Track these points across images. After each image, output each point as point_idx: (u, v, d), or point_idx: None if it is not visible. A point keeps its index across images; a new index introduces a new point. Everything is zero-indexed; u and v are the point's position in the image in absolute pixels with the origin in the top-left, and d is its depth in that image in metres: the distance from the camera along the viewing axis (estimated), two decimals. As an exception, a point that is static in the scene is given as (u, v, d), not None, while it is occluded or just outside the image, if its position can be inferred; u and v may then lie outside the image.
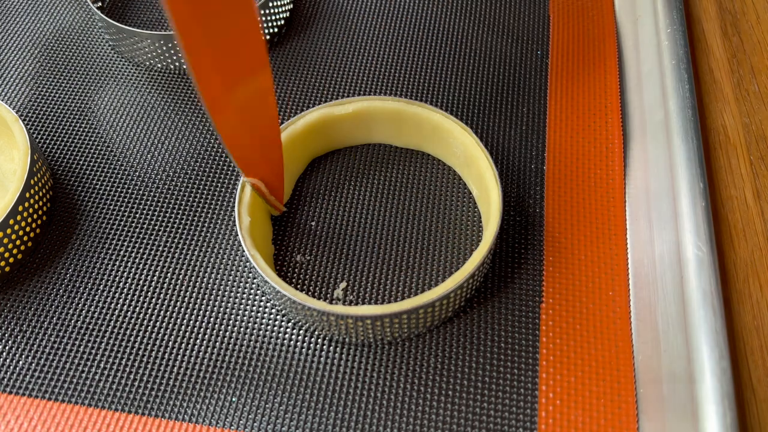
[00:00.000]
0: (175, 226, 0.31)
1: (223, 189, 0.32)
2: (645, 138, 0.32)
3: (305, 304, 0.25)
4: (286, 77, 0.37)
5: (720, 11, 0.33)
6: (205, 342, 0.28)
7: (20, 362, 0.28)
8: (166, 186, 0.33)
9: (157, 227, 0.31)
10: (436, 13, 0.39)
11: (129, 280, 0.30)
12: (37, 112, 0.36)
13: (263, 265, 0.26)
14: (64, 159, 0.34)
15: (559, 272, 0.29)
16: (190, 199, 0.32)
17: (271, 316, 0.29)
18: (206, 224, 0.31)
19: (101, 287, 0.30)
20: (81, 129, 0.35)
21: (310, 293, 0.29)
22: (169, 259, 0.30)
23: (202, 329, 0.28)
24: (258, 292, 0.29)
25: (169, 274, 0.30)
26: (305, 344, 0.28)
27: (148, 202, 0.32)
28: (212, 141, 0.34)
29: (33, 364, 0.28)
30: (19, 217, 0.29)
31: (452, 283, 0.25)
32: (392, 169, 0.33)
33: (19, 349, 0.28)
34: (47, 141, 0.34)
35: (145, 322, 0.29)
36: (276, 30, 0.38)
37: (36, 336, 0.28)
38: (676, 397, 0.24)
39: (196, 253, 0.30)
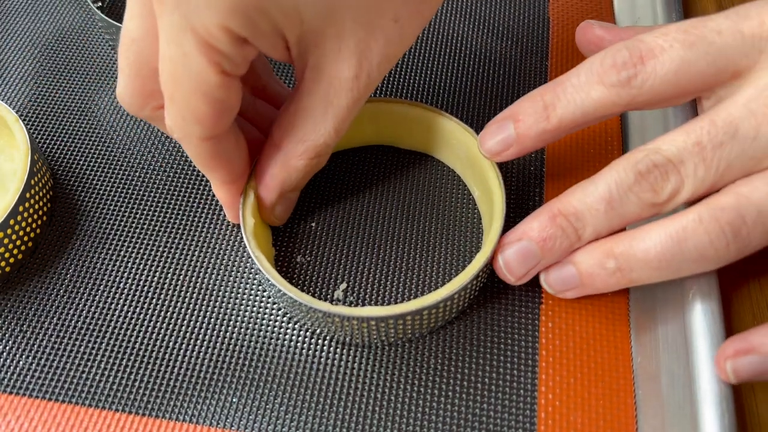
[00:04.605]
0: (175, 226, 0.31)
1: (224, 189, 0.32)
2: (645, 138, 0.32)
3: (310, 306, 0.25)
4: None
5: (719, 11, 0.33)
6: (205, 342, 0.28)
7: (20, 362, 0.28)
8: (166, 186, 0.33)
9: (157, 227, 0.31)
10: (436, 14, 0.39)
11: (129, 280, 0.30)
12: (37, 112, 0.36)
13: (268, 267, 0.26)
14: (64, 159, 0.34)
15: (558, 273, 0.29)
16: (190, 199, 0.32)
17: (272, 316, 0.29)
18: (206, 224, 0.31)
19: (101, 287, 0.30)
20: (81, 129, 0.35)
21: (310, 294, 0.29)
22: (169, 259, 0.30)
23: (202, 329, 0.28)
24: (258, 292, 0.29)
25: (169, 275, 0.30)
26: (305, 345, 0.28)
27: (148, 202, 0.32)
28: (212, 141, 0.34)
29: (33, 364, 0.28)
30: (19, 217, 0.29)
31: (457, 283, 0.26)
32: (393, 170, 0.33)
33: (19, 349, 0.28)
34: (47, 141, 0.34)
35: (145, 322, 0.29)
36: (276, 30, 0.38)
37: (36, 336, 0.28)
38: (675, 398, 0.24)
39: (196, 253, 0.31)
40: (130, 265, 0.30)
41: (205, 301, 0.29)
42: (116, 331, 0.28)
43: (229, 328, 0.28)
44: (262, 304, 0.29)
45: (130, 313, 0.29)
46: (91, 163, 0.34)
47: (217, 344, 0.28)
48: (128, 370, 0.27)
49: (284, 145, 0.27)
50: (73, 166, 0.33)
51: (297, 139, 0.26)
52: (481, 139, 0.27)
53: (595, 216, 0.24)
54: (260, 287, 0.29)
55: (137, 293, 0.29)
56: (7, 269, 0.30)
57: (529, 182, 0.32)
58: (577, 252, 0.25)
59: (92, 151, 0.34)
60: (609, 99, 0.24)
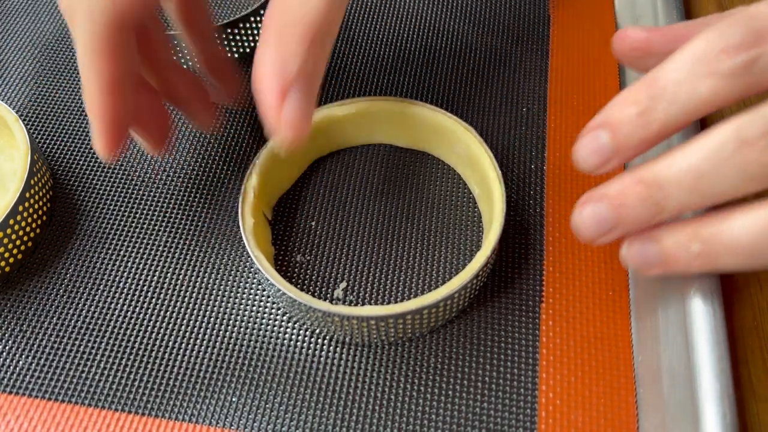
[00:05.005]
0: (175, 226, 0.31)
1: (223, 189, 0.32)
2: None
3: (309, 305, 0.25)
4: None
5: (720, 11, 0.33)
6: (205, 342, 0.28)
7: (20, 362, 0.28)
8: (166, 186, 0.33)
9: (157, 227, 0.31)
10: (436, 13, 0.39)
11: (129, 280, 0.30)
12: (37, 112, 0.36)
13: (267, 266, 0.26)
14: (64, 159, 0.34)
15: (559, 272, 0.29)
16: (190, 199, 0.32)
17: (272, 315, 0.29)
18: (206, 224, 0.31)
19: (101, 287, 0.30)
20: (81, 129, 0.35)
21: (310, 293, 0.29)
22: (169, 259, 0.30)
23: (202, 329, 0.28)
24: (258, 291, 0.29)
25: (169, 274, 0.30)
26: (305, 344, 0.28)
27: (148, 202, 0.32)
28: (212, 141, 0.34)
29: (33, 364, 0.28)
30: (19, 217, 0.29)
31: (457, 283, 0.25)
32: (393, 169, 0.33)
33: (19, 349, 0.28)
34: (47, 141, 0.34)
35: (145, 322, 0.29)
36: (276, 30, 0.38)
37: (36, 336, 0.28)
38: (676, 397, 0.24)
39: (196, 253, 0.30)
40: (130, 265, 0.30)
41: (205, 301, 0.29)
42: (116, 331, 0.28)
43: (229, 328, 0.28)
44: (262, 304, 0.29)
45: (130, 313, 0.29)
46: (91, 163, 0.34)
47: (217, 344, 0.28)
48: (128, 370, 0.27)
49: (279, 32, 0.23)
50: (73, 166, 0.33)
51: (291, 24, 0.23)
52: (576, 154, 0.23)
53: (680, 189, 0.21)
54: (260, 287, 0.29)
55: (137, 293, 0.29)
56: (7, 269, 0.30)
57: (529, 181, 0.32)
58: (661, 228, 0.23)
59: (92, 151, 0.34)
60: (721, 92, 0.20)
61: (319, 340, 0.28)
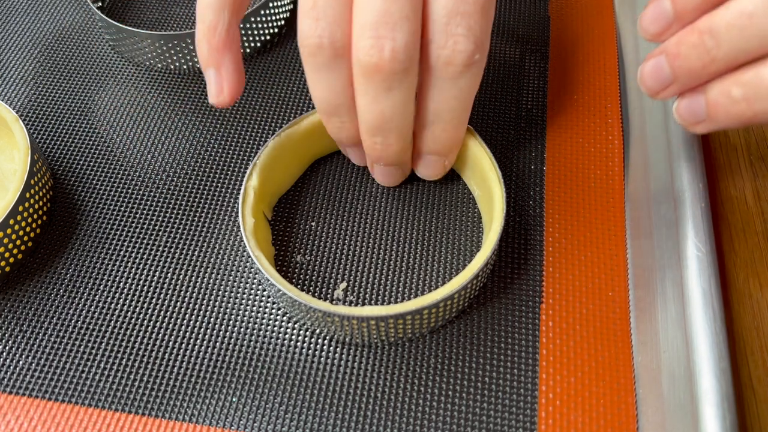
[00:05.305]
0: (175, 226, 0.31)
1: (223, 189, 0.32)
2: (645, 138, 0.32)
3: (309, 305, 0.25)
4: (286, 78, 0.37)
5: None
6: (205, 342, 0.28)
7: (20, 362, 0.28)
8: (166, 186, 0.33)
9: (157, 227, 0.31)
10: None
11: (129, 280, 0.30)
12: (37, 112, 0.36)
13: (267, 266, 0.26)
14: (64, 159, 0.34)
15: (559, 272, 0.29)
16: (190, 199, 0.32)
17: (272, 316, 0.29)
18: (206, 224, 0.31)
19: (101, 287, 0.30)
20: (81, 129, 0.35)
21: (310, 293, 0.29)
22: (169, 259, 0.30)
23: (202, 329, 0.28)
24: (258, 291, 0.29)
25: (169, 274, 0.30)
26: (305, 344, 0.28)
27: (148, 202, 0.32)
28: (212, 141, 0.34)
29: (33, 364, 0.28)
30: (19, 217, 0.29)
31: (457, 283, 0.25)
32: (392, 169, 0.33)
33: (19, 349, 0.28)
34: (47, 141, 0.34)
35: (145, 322, 0.29)
36: (276, 30, 0.38)
37: (36, 336, 0.28)
38: (675, 398, 0.24)
39: (196, 253, 0.31)
40: (130, 265, 0.30)
41: (205, 301, 0.29)
42: (116, 331, 0.28)
43: (229, 328, 0.28)
44: (262, 304, 0.29)
45: (130, 313, 0.29)
46: (91, 163, 0.34)
47: (217, 344, 0.28)
48: (128, 370, 0.27)
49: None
50: (73, 166, 0.33)
51: None
52: (640, 22, 0.24)
53: (731, 32, 0.21)
54: (260, 287, 0.29)
55: (137, 293, 0.29)
56: (7, 269, 0.30)
57: (529, 182, 0.32)
58: (709, 81, 0.23)
59: (92, 151, 0.34)
60: None
61: (319, 340, 0.28)
